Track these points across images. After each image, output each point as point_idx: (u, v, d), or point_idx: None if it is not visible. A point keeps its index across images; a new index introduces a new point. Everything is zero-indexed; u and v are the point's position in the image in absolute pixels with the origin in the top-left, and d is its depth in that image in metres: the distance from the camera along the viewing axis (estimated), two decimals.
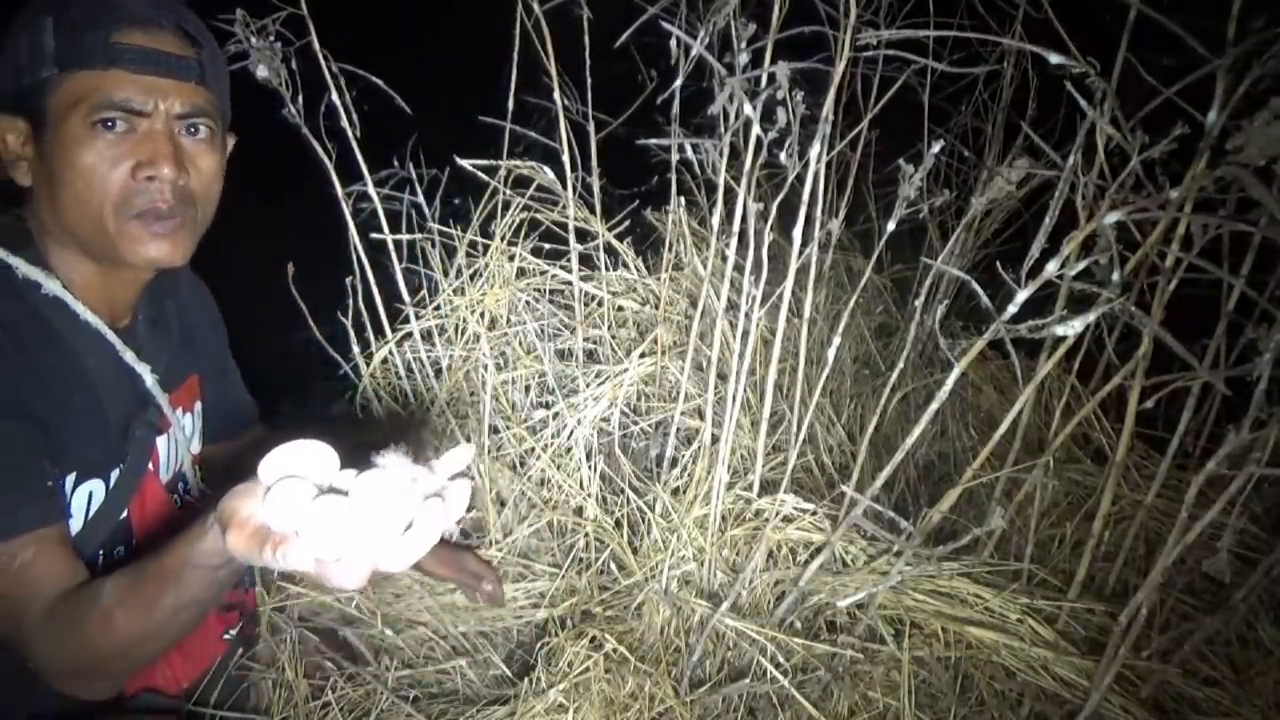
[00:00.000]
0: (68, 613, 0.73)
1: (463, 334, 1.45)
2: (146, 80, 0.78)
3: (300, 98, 1.14)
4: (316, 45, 1.13)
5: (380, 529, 0.51)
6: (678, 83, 1.09)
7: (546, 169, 1.33)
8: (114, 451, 0.87)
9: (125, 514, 0.89)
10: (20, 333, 0.77)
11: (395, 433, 1.26)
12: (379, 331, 1.36)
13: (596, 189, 1.33)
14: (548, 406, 1.45)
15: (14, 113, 0.78)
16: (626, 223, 1.46)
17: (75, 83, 0.76)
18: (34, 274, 0.78)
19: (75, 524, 0.84)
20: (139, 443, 0.89)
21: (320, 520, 0.51)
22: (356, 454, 0.56)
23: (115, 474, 0.87)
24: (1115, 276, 0.82)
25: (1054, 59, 0.83)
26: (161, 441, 0.95)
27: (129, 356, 0.85)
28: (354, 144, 1.20)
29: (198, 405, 1.02)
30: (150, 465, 0.92)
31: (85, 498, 0.84)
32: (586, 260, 1.42)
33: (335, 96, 1.17)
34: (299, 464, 0.55)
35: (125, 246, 0.80)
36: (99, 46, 0.75)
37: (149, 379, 0.87)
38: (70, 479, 0.82)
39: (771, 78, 0.89)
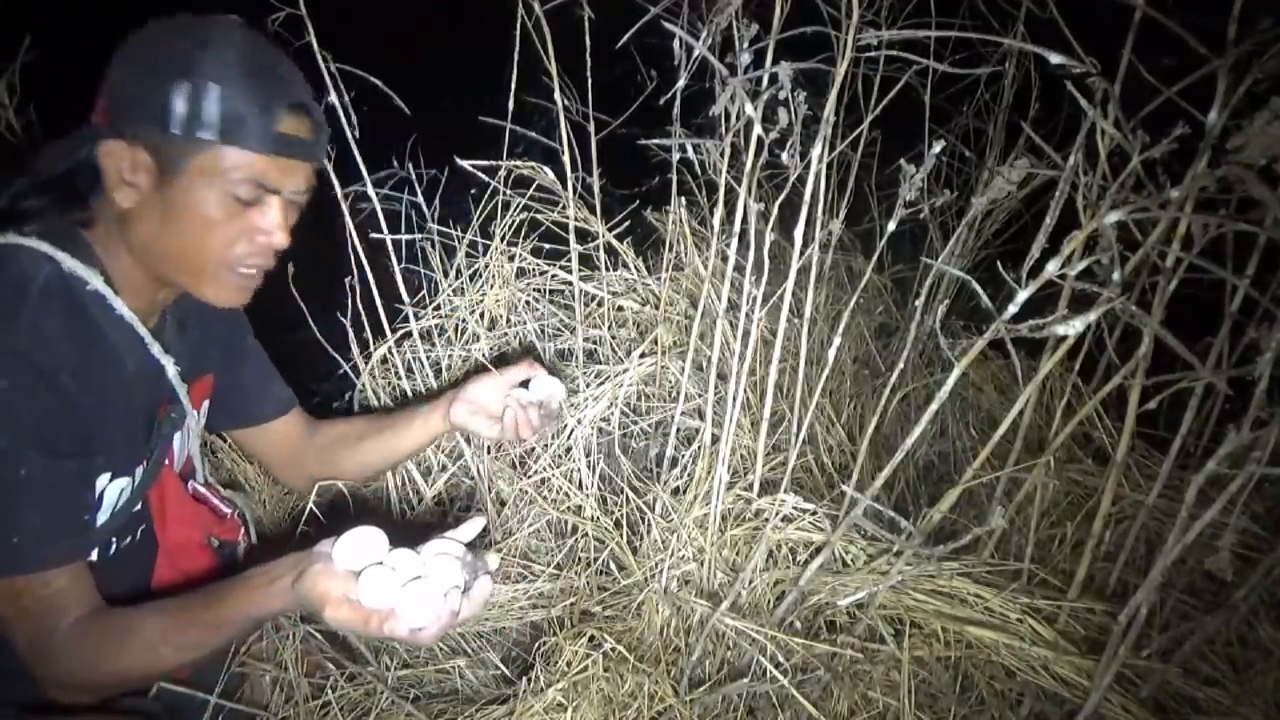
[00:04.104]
0: (104, 639, 0.78)
1: (462, 334, 1.45)
2: (284, 163, 0.84)
3: None
4: (315, 46, 1.13)
5: (453, 603, 0.72)
6: (680, 83, 1.09)
7: (547, 169, 1.33)
8: (140, 447, 0.91)
9: (141, 504, 0.94)
10: (75, 342, 0.80)
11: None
12: (378, 332, 1.36)
13: (597, 189, 1.33)
14: None
15: (133, 143, 0.80)
16: (627, 223, 1.46)
17: (228, 156, 0.80)
18: (80, 270, 0.82)
19: (102, 518, 0.88)
20: (164, 439, 0.94)
21: (416, 601, 0.71)
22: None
23: (140, 469, 0.91)
24: (1116, 276, 0.82)
25: (1054, 59, 0.83)
26: (177, 435, 0.98)
27: (156, 349, 0.89)
28: (352, 144, 1.20)
29: (206, 403, 1.06)
30: (167, 459, 0.97)
31: (116, 494, 0.88)
32: (586, 260, 1.42)
33: (334, 97, 1.17)
34: (363, 547, 0.73)
35: (210, 290, 0.87)
36: (262, 134, 0.81)
37: (171, 370, 0.91)
38: (105, 478, 0.86)
39: (773, 78, 0.89)
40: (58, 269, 0.80)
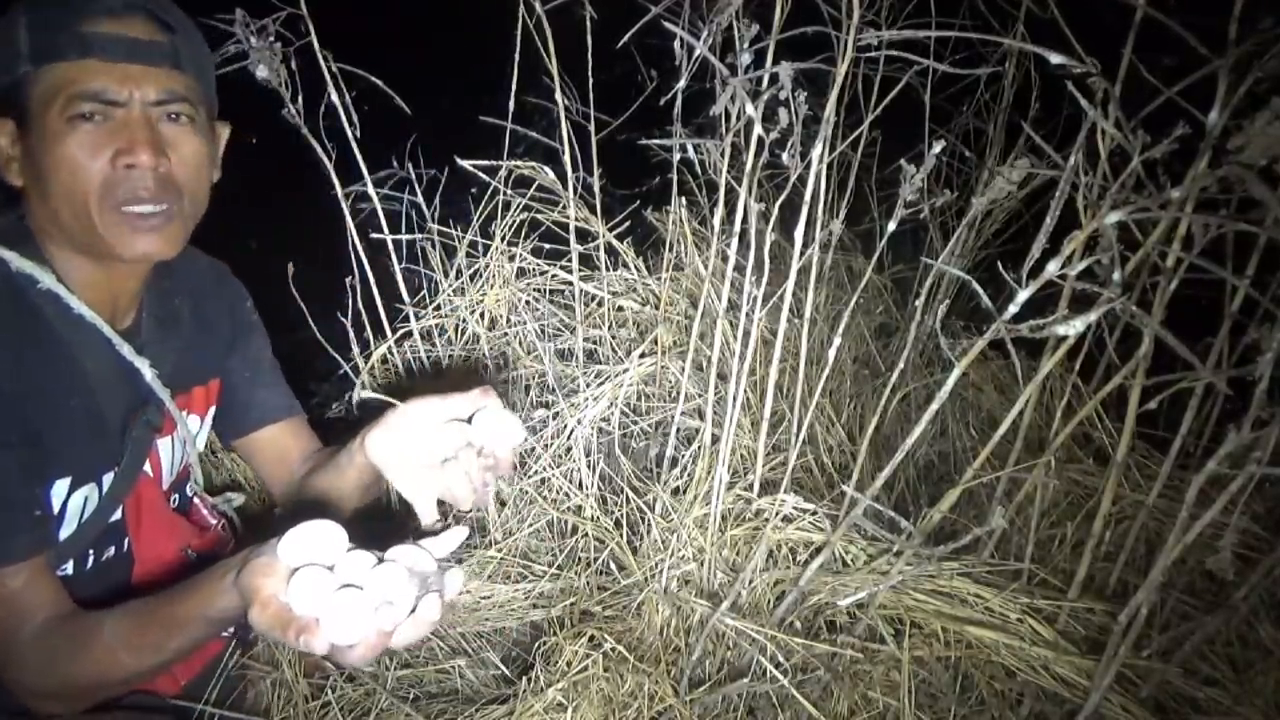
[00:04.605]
0: (65, 644, 0.75)
1: (463, 334, 1.45)
2: (119, 68, 0.77)
3: (300, 98, 1.14)
4: (316, 45, 1.13)
5: (390, 621, 0.60)
6: (681, 83, 1.09)
7: (547, 169, 1.33)
8: (110, 453, 0.86)
9: (118, 516, 0.89)
10: (17, 341, 0.77)
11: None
12: (379, 331, 1.36)
13: (597, 189, 1.33)
14: (548, 406, 1.45)
15: (1, 114, 0.78)
16: (627, 223, 1.46)
17: (50, 76, 0.75)
18: (28, 268, 0.78)
19: (68, 529, 0.84)
20: (136, 443, 0.88)
21: (341, 614, 0.59)
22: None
23: (109, 476, 0.86)
24: (1116, 276, 0.82)
25: (1054, 59, 0.83)
26: (164, 444, 0.94)
27: (126, 351, 0.84)
28: (353, 144, 1.20)
29: (212, 410, 1.00)
30: (149, 468, 0.92)
31: (80, 502, 0.83)
32: (587, 260, 1.42)
33: (335, 96, 1.17)
34: (314, 544, 0.63)
35: (112, 239, 0.79)
36: (69, 38, 0.75)
37: (148, 374, 0.86)
38: (65, 484, 0.82)
39: (774, 78, 0.89)
40: (3, 269, 0.78)
